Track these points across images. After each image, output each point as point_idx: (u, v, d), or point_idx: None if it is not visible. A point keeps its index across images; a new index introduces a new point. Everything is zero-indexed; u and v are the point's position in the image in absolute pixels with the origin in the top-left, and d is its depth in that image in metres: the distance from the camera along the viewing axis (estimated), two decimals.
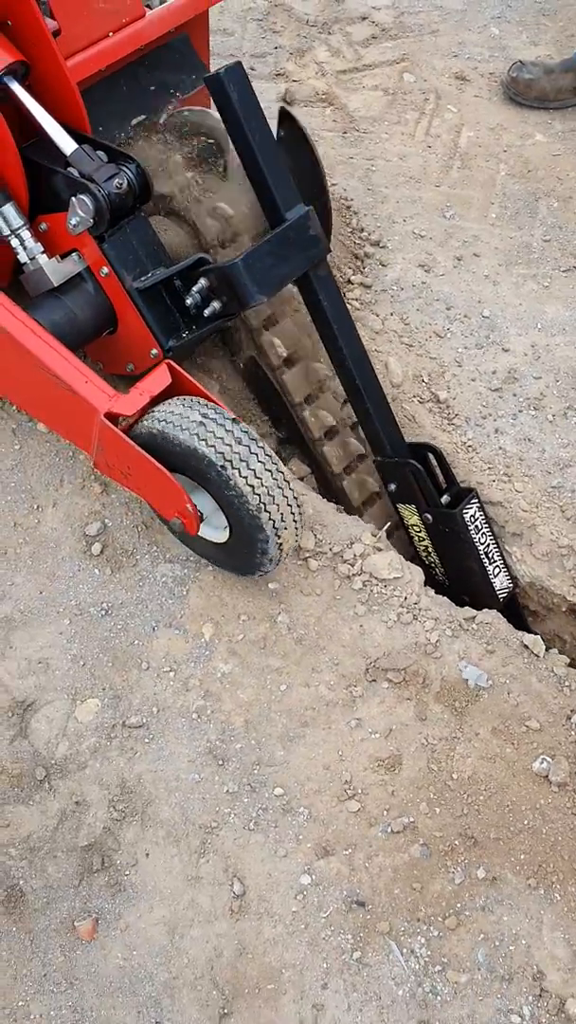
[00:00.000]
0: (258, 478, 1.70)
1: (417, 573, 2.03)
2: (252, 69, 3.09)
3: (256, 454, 1.70)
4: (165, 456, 1.69)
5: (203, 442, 1.66)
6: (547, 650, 1.97)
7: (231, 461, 1.68)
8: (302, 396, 2.18)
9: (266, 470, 1.71)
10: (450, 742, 1.83)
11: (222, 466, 1.68)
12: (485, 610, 2.01)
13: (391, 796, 1.78)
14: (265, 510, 1.72)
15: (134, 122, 1.96)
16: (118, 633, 1.96)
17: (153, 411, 1.73)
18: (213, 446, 1.67)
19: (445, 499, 2.16)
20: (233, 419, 1.71)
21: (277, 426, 2.35)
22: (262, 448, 1.72)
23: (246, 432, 1.71)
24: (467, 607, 2.02)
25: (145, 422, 1.73)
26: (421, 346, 2.49)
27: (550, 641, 2.27)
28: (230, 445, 1.68)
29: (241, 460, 1.69)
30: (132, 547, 2.05)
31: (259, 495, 1.71)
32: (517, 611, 2.26)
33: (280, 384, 2.17)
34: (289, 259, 1.80)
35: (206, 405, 1.71)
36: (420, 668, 1.90)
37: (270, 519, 1.73)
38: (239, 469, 1.69)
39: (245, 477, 1.70)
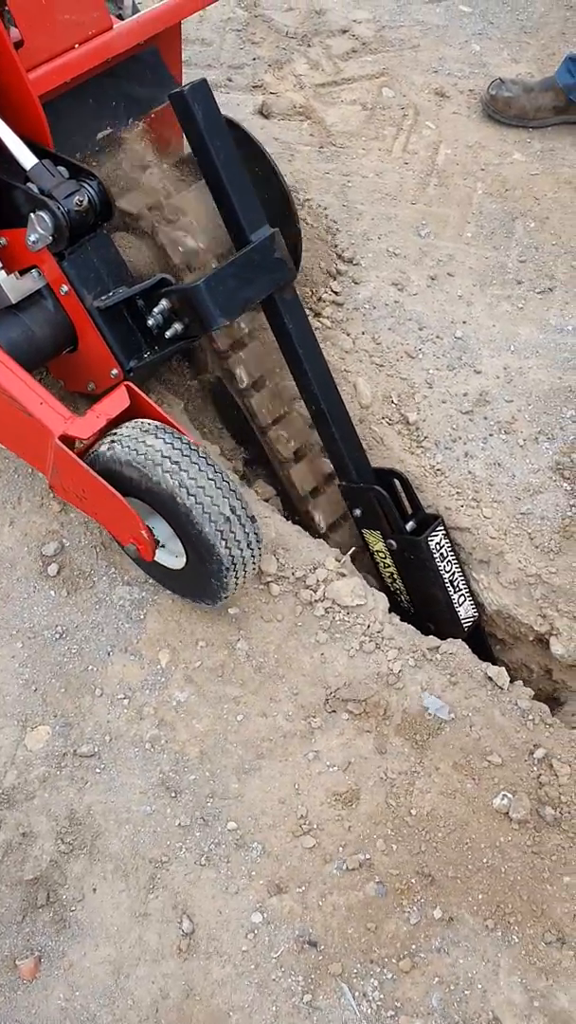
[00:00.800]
0: (245, 576, 1.78)
1: (381, 600, 1.99)
2: (230, 80, 3.05)
3: (254, 553, 1.76)
4: (125, 483, 1.65)
5: (223, 542, 1.68)
6: (511, 682, 1.94)
7: (236, 564, 1.73)
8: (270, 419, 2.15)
9: (252, 569, 1.79)
10: (410, 776, 1.79)
11: (227, 568, 1.73)
12: (449, 640, 1.97)
13: (347, 832, 1.74)
14: (233, 587, 1.80)
15: (100, 136, 1.91)
16: (72, 658, 1.91)
17: (172, 469, 1.65)
18: (230, 548, 1.70)
19: (410, 525, 2.12)
20: (252, 518, 1.73)
21: (243, 446, 2.30)
22: (260, 546, 1.78)
23: (257, 534, 1.75)
24: (431, 636, 1.99)
25: (159, 479, 1.65)
26: (392, 366, 2.46)
27: (517, 671, 2.25)
28: (242, 550, 1.72)
29: (244, 564, 1.75)
30: (89, 568, 2.00)
31: (238, 582, 1.79)
32: (482, 640, 2.23)
33: (248, 408, 2.13)
34: (253, 282, 1.75)
35: (233, 493, 1.70)
36: (381, 699, 1.87)
37: (235, 584, 1.80)
38: (239, 572, 1.75)
39: (237, 577, 1.76)
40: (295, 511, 2.28)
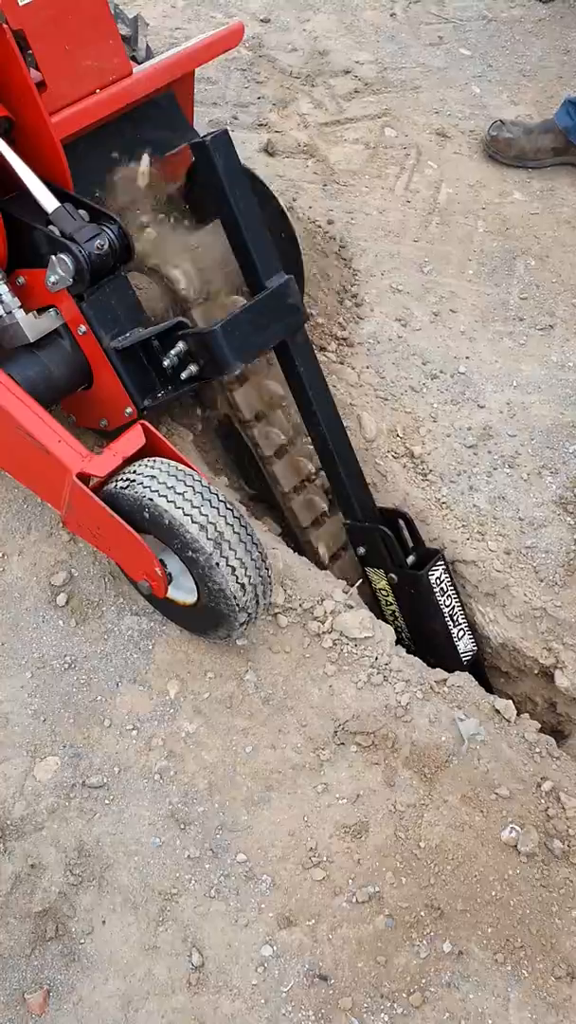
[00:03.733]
0: (257, 610, 1.82)
1: (388, 632, 2.01)
2: (235, 118, 3.12)
3: (266, 589, 1.81)
4: (139, 520, 1.67)
5: (234, 577, 1.71)
6: (518, 715, 1.95)
7: (247, 600, 1.77)
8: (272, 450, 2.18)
9: (264, 604, 1.84)
10: (418, 809, 1.81)
11: (242, 622, 1.78)
12: (456, 672, 1.99)
13: (357, 864, 1.74)
14: (244, 621, 1.82)
15: (116, 177, 1.95)
16: (81, 688, 1.92)
17: (185, 506, 1.68)
18: (241, 584, 1.73)
19: (411, 560, 2.15)
20: (263, 554, 1.77)
21: (249, 483, 2.33)
22: (271, 580, 1.82)
23: (268, 570, 1.79)
24: (438, 669, 2.01)
25: (172, 516, 1.67)
26: (396, 400, 2.50)
27: (521, 704, 2.27)
28: (254, 585, 1.76)
29: (255, 600, 1.80)
30: (98, 598, 2.01)
31: (249, 618, 1.82)
32: (481, 674, 2.25)
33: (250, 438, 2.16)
34: (268, 328, 1.80)
35: (244, 528, 1.73)
36: (389, 732, 1.88)
37: (247, 618, 1.83)
38: (250, 607, 1.79)
39: (248, 613, 1.79)
40: (297, 543, 2.30)
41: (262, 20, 3.55)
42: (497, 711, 1.93)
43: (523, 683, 2.26)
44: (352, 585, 2.10)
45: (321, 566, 2.24)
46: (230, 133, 1.80)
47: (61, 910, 1.70)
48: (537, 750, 1.89)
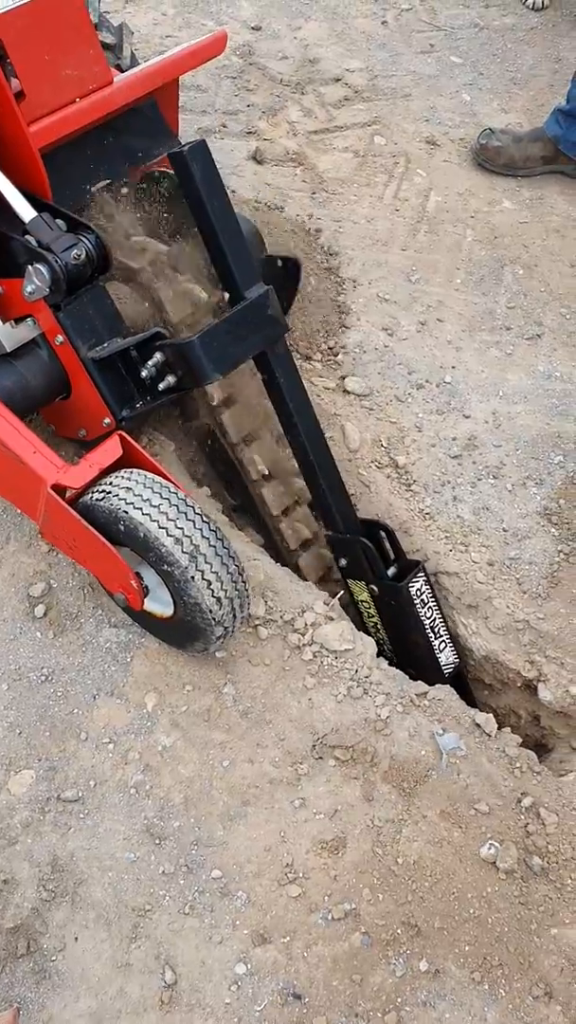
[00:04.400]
0: (234, 623, 1.81)
1: (369, 645, 2.00)
2: (224, 126, 3.11)
3: (243, 602, 1.80)
4: (114, 532, 1.65)
5: (209, 591, 1.70)
6: (499, 729, 1.94)
7: (226, 625, 1.77)
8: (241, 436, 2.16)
9: (241, 616, 1.82)
10: (396, 825, 1.79)
11: (219, 635, 1.78)
12: (437, 686, 1.98)
13: (333, 881, 1.73)
14: (221, 634, 1.81)
15: (97, 187, 1.94)
16: (57, 701, 1.90)
17: (160, 519, 1.67)
18: (217, 597, 1.72)
19: (392, 571, 2.13)
20: (240, 567, 1.76)
21: (231, 493, 2.32)
22: (248, 593, 1.82)
23: (244, 582, 1.78)
24: (419, 682, 1.99)
25: (146, 529, 1.66)
26: (381, 410, 2.49)
27: (504, 717, 2.25)
28: (230, 599, 1.75)
29: (232, 613, 1.78)
30: (76, 610, 2.00)
31: (226, 630, 1.81)
32: (464, 686, 2.23)
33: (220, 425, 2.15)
34: (246, 339, 1.79)
35: (221, 541, 1.72)
36: (368, 746, 1.86)
37: (223, 632, 1.81)
38: (226, 620, 1.78)
39: (224, 626, 1.78)
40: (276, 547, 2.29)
41: (253, 28, 3.54)
42: (478, 725, 1.92)
43: (506, 696, 2.24)
44: (328, 586, 2.09)
45: (290, 552, 2.23)
46: (214, 141, 1.79)
47: (33, 926, 1.68)
48: (518, 765, 1.88)
